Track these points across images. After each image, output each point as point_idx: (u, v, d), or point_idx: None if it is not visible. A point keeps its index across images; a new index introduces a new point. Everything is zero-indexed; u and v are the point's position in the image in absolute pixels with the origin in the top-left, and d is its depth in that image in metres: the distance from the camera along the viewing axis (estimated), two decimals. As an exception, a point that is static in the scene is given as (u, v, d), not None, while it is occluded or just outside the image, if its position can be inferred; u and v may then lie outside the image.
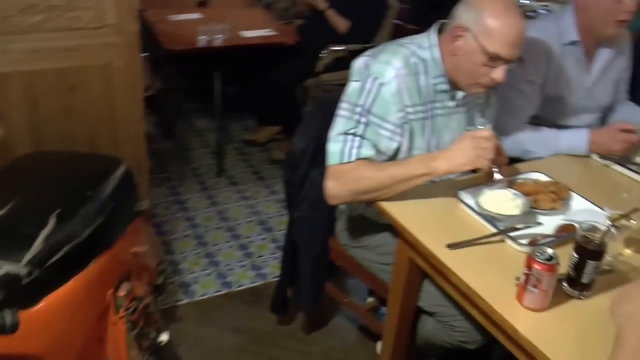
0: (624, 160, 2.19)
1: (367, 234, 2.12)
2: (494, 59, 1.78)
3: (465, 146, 1.70)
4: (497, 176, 1.80)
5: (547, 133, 2.27)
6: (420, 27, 4.05)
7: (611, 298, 1.35)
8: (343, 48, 4.05)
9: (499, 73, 1.81)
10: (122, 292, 1.78)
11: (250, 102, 4.22)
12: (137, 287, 1.87)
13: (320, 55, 4.00)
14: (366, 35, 4.15)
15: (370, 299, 2.53)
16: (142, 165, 2.62)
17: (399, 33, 4.19)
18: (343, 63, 4.09)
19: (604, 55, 2.37)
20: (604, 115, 2.52)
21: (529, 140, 2.25)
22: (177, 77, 4.12)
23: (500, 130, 2.19)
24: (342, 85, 4.07)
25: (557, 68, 2.29)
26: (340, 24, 4.04)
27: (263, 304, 2.69)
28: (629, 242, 1.68)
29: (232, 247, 3.17)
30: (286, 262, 2.45)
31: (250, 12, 4.47)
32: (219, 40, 3.47)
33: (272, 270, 3.01)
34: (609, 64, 2.39)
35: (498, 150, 1.76)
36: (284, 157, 3.97)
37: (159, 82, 3.65)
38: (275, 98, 3.96)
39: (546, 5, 4.96)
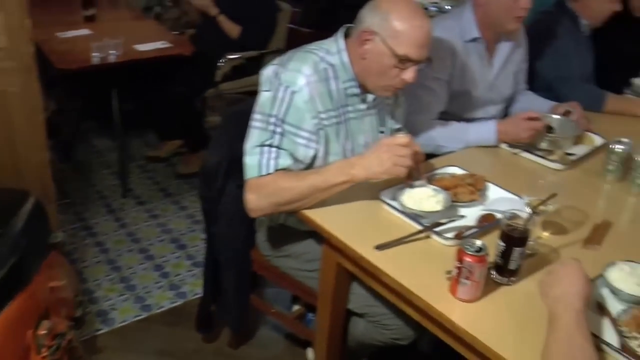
0: (531, 147, 2.31)
1: (290, 243, 2.12)
2: (404, 61, 1.82)
3: (382, 155, 1.72)
4: (415, 175, 1.85)
5: (456, 127, 2.35)
6: (314, 30, 4.13)
7: (538, 280, 1.44)
8: (240, 56, 4.03)
9: (409, 74, 1.85)
10: (42, 331, 1.70)
11: (150, 117, 4.12)
12: (57, 324, 1.79)
13: (217, 64, 3.96)
14: (261, 40, 4.16)
15: (296, 307, 2.53)
16: (50, 195, 2.52)
17: (293, 37, 4.23)
18: (242, 71, 4.10)
19: (503, 49, 2.50)
20: (507, 106, 2.66)
21: (440, 135, 2.32)
22: (70, 97, 3.97)
23: (412, 127, 2.25)
24: (243, 93, 4.13)
25: (461, 64, 2.38)
26: (232, 29, 4.02)
27: (186, 323, 2.64)
28: (546, 226, 1.77)
29: (147, 269, 3.09)
30: (208, 279, 2.41)
31: (141, 24, 4.36)
32: (113, 56, 3.37)
33: (192, 288, 2.96)
34: (508, 58, 2.52)
35: (415, 153, 1.80)
36: (190, 171, 4.00)
37: (52, 104, 3.51)
38: (175, 111, 3.89)
39: (436, 3, 5.14)
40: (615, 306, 1.49)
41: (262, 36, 4.15)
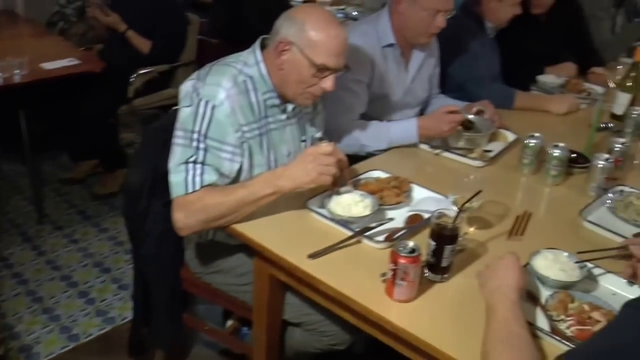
0: (450, 146, 2.40)
1: (221, 258, 2.11)
2: (322, 70, 1.86)
3: (308, 165, 1.74)
4: (341, 181, 1.89)
5: (378, 126, 2.42)
6: (223, 40, 4.13)
7: (477, 273, 1.51)
8: (151, 70, 3.99)
9: (328, 82, 1.89)
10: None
11: (61, 137, 4.00)
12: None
13: (128, 80, 3.90)
14: (172, 53, 4.13)
15: (229, 322, 2.52)
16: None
17: (203, 48, 4.22)
18: (154, 85, 4.05)
19: (418, 55, 2.60)
20: (423, 109, 2.77)
21: (363, 135, 2.38)
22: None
23: (336, 128, 2.31)
24: (157, 108, 4.08)
25: (380, 69, 2.46)
26: (142, 44, 3.97)
27: (118, 349, 2.58)
28: (471, 221, 1.84)
29: (71, 297, 3.01)
30: (137, 301, 2.37)
31: (45, 41, 4.23)
32: (18, 75, 3.26)
33: (120, 312, 2.90)
34: (423, 62, 2.63)
35: (339, 160, 1.84)
36: (108, 191, 3.92)
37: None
38: (87, 130, 3.80)
39: (342, 9, 5.24)
40: (543, 292, 1.57)
41: (173, 49, 4.13)
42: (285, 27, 1.87)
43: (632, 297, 1.20)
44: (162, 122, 2.09)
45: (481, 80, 2.88)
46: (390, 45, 2.48)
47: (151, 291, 2.26)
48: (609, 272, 1.67)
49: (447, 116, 2.36)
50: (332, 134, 2.35)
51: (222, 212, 1.79)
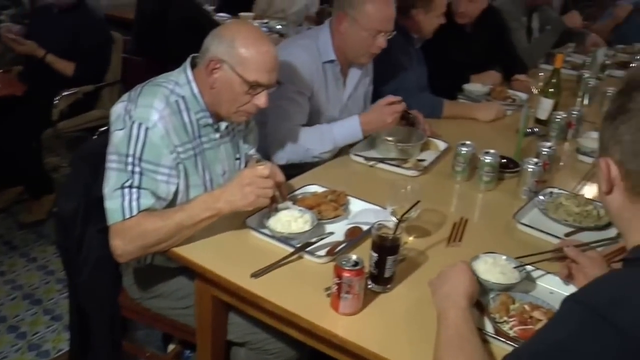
0: (384, 158, 2.45)
1: (160, 282, 2.09)
2: (254, 87, 1.87)
3: (245, 189, 1.75)
4: (279, 199, 1.91)
5: (321, 129, 2.45)
6: (148, 58, 4.09)
7: (429, 281, 1.55)
8: (75, 91, 3.91)
9: (261, 99, 1.90)
10: None
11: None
12: None
13: (52, 101, 3.81)
14: (96, 73, 4.07)
15: (171, 346, 2.49)
16: None
17: (128, 67, 4.17)
18: (79, 107, 3.97)
19: (355, 72, 2.66)
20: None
21: (307, 139, 2.40)
22: None
23: (280, 138, 2.33)
24: (84, 130, 3.99)
25: (319, 83, 2.50)
26: (65, 67, 3.90)
27: (53, 384, 2.52)
28: (410, 230, 1.88)
29: (1, 332, 2.90)
30: (74, 332, 2.31)
31: (-41, 65, 4.10)
32: None
33: (55, 344, 2.82)
34: (359, 80, 2.69)
35: (276, 175, 1.86)
36: (35, 219, 3.81)
37: None
38: (10, 156, 3.69)
39: (266, 23, 5.27)
40: (485, 296, 1.62)
41: (97, 69, 4.06)
42: (215, 45, 1.87)
43: (568, 294, 1.25)
44: (92, 145, 2.06)
45: (410, 91, 2.94)
46: (331, 61, 2.53)
47: (88, 320, 2.21)
48: (546, 272, 1.74)
49: (388, 108, 2.41)
50: (277, 143, 2.37)
51: (161, 237, 1.77)
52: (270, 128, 2.38)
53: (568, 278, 1.68)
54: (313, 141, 2.41)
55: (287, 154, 2.38)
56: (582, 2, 7.84)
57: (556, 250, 1.78)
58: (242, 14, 5.32)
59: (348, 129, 2.44)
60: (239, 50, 1.83)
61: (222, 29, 1.90)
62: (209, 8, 5.46)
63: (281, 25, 5.06)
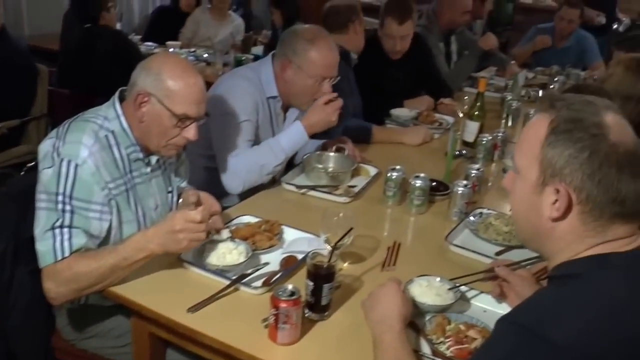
0: (315, 185, 2.48)
1: (96, 322, 2.04)
2: (183, 120, 1.88)
3: (178, 235, 1.72)
4: (213, 232, 1.91)
5: (268, 142, 2.46)
6: (74, 91, 4.03)
7: (360, 303, 1.58)
8: (0, 126, 3.81)
9: (190, 132, 1.91)
10: None
11: None
12: None
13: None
14: (22, 107, 3.96)
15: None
16: None
17: (55, 100, 4.09)
18: (4, 142, 3.86)
19: (294, 110, 2.68)
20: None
21: (258, 156, 2.40)
22: None
23: (234, 163, 2.33)
24: (9, 167, 3.88)
25: (264, 116, 2.53)
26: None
27: None
28: (345, 257, 1.92)
29: None
30: (4, 380, 2.24)
31: None
32: None
33: (-19, 395, 2.71)
34: (299, 115, 2.68)
35: (213, 211, 1.87)
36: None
37: None
38: None
39: (193, 51, 5.29)
40: (421, 318, 1.66)
41: (23, 103, 3.95)
42: (142, 78, 1.87)
43: (501, 312, 1.31)
44: (20, 183, 2.02)
45: (345, 118, 2.99)
46: (273, 97, 2.56)
47: (19, 366, 2.15)
48: (479, 292, 1.80)
49: (327, 106, 2.43)
50: (230, 173, 2.37)
51: (94, 280, 1.74)
52: (220, 159, 2.39)
53: (500, 296, 1.75)
54: (264, 156, 2.41)
55: (242, 180, 2.38)
56: (502, 25, 8.22)
57: (488, 270, 1.84)
58: (169, 42, 5.32)
59: (294, 135, 2.45)
60: (167, 83, 1.84)
61: (149, 62, 1.91)
62: (136, 37, 5.43)
63: (208, 53, 5.08)
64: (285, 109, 2.64)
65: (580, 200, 1.16)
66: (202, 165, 2.50)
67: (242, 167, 2.39)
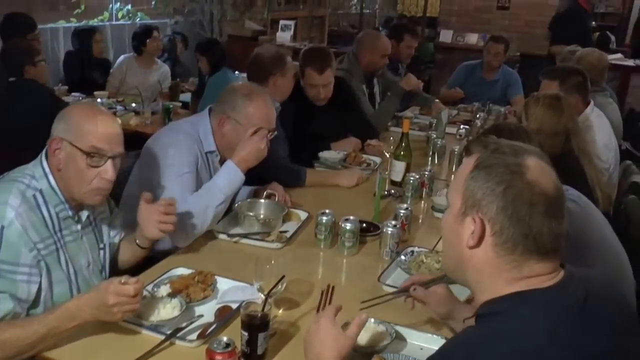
0: (247, 233, 2.50)
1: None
2: (94, 155, 1.87)
3: (112, 309, 1.68)
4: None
5: (205, 186, 2.46)
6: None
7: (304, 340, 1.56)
8: None
9: (108, 172, 1.90)
10: None
11: None
12: None
13: None
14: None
15: None
16: None
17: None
18: None
19: None
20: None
21: (200, 199, 2.39)
22: None
23: (183, 212, 2.30)
24: None
25: (203, 169, 2.55)
26: None
27: None
28: (279, 303, 1.94)
29: None
30: None
31: None
32: None
33: None
34: None
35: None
36: None
37: None
38: None
39: (121, 100, 5.25)
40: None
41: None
42: (55, 126, 1.90)
43: (436, 348, 1.36)
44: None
45: (276, 162, 3.04)
46: (211, 152, 2.59)
47: None
48: (415, 329, 1.85)
49: (254, 137, 2.47)
50: (184, 216, 2.33)
51: (23, 348, 1.68)
52: (123, 226, 2.36)
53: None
54: (206, 198, 2.40)
55: (191, 229, 2.36)
56: (424, 64, 8.49)
57: (403, 289, 1.89)
58: (96, 92, 5.26)
59: (228, 173, 2.46)
60: (75, 124, 1.87)
61: (63, 111, 1.94)
62: (62, 87, 5.34)
63: (136, 102, 5.05)
64: (223, 163, 2.63)
65: (494, 231, 1.24)
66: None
67: (188, 216, 2.37)
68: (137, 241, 2.18)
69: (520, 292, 1.23)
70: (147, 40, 5.76)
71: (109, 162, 1.90)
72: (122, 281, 1.69)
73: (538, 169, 1.25)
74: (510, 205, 1.22)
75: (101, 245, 2.11)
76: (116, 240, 2.21)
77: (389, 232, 2.36)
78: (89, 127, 1.86)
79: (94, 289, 1.76)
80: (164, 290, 1.98)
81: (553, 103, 2.78)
